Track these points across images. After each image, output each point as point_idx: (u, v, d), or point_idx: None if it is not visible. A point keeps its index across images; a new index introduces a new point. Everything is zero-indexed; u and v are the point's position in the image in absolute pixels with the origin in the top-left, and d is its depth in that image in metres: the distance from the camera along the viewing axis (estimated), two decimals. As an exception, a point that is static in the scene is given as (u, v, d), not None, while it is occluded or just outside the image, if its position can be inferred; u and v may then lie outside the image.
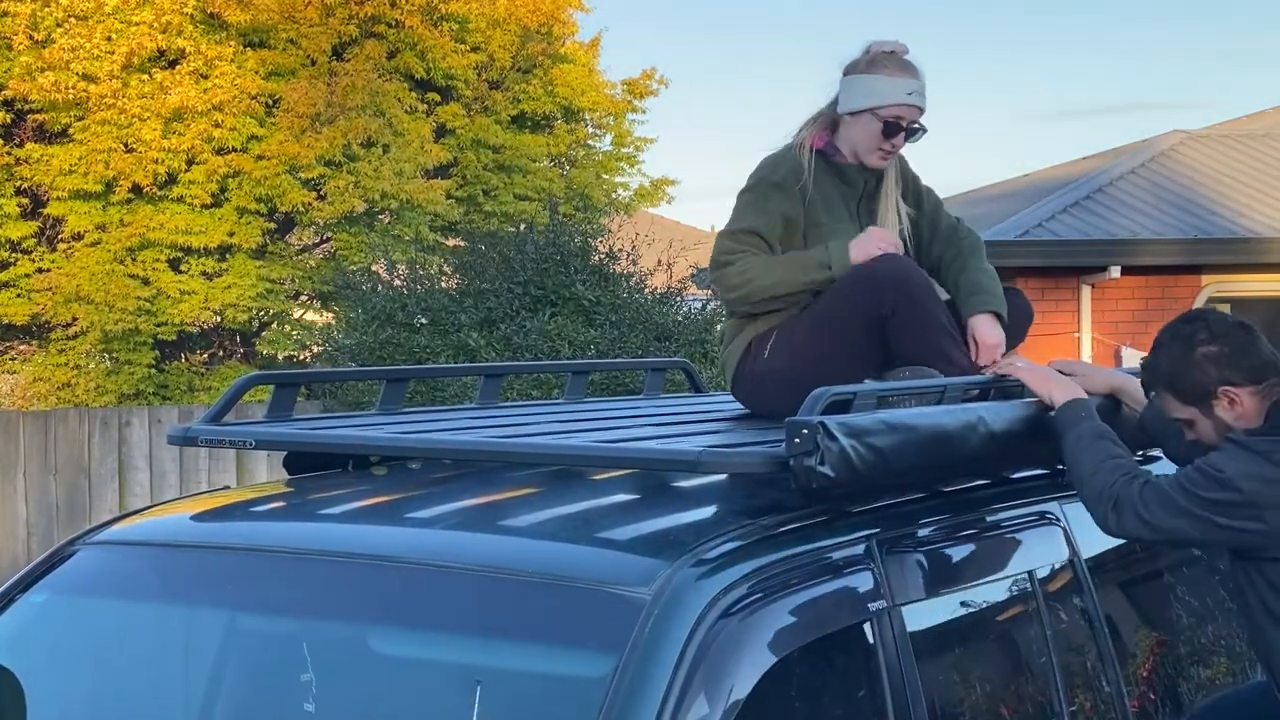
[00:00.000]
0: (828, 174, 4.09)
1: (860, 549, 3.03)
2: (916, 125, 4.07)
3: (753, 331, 4.09)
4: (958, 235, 4.23)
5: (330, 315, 14.51)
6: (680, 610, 2.62)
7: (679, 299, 12.16)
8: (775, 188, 4.05)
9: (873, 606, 2.96)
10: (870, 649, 2.93)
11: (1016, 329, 4.18)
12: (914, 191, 4.26)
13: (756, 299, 4.02)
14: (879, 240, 3.96)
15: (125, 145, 13.28)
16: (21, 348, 14.65)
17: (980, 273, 4.12)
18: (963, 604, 3.33)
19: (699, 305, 12.55)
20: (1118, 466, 3.40)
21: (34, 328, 14.03)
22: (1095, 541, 3.79)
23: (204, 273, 13.56)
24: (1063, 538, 3.68)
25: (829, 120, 4.13)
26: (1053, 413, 3.54)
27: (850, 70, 4.11)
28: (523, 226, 13.86)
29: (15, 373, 14.66)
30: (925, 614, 3.13)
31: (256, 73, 13.66)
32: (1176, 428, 3.66)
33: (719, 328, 11.64)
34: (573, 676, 2.71)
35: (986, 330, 3.99)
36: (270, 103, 13.80)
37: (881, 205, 4.17)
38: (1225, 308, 14.61)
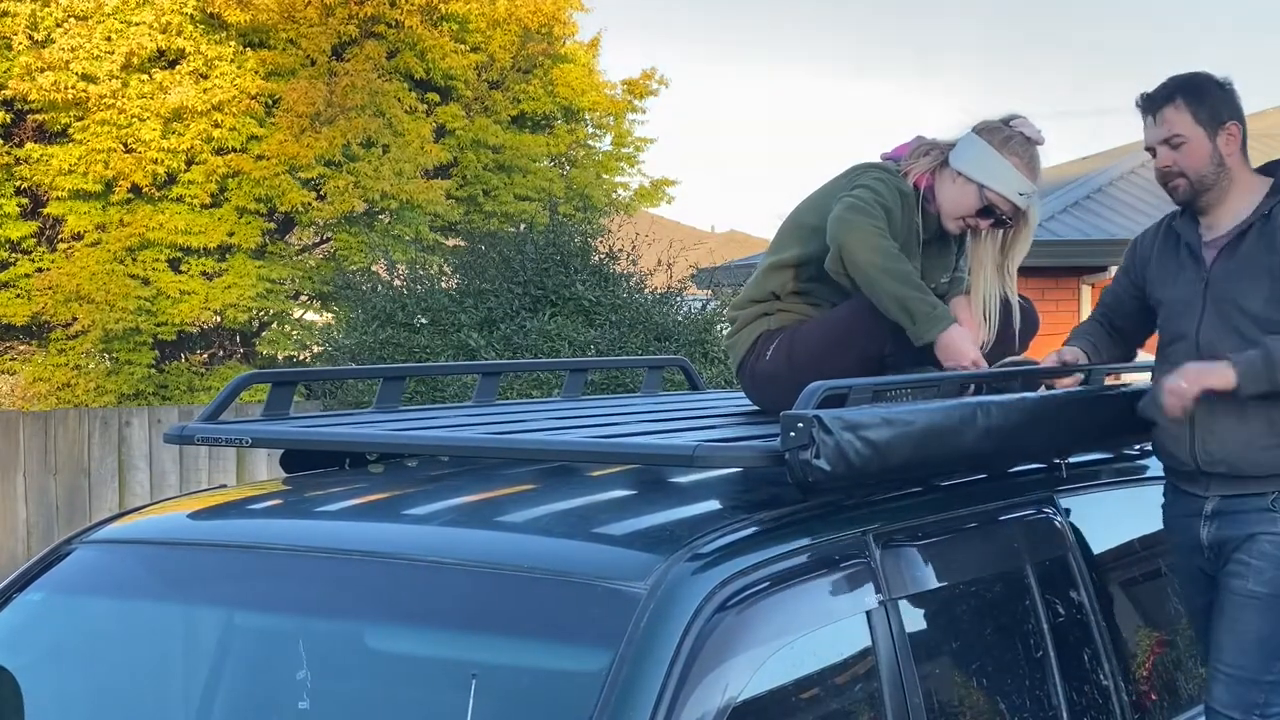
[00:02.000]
0: (917, 211, 4.06)
1: (856, 543, 3.03)
2: (1008, 219, 4.04)
3: (762, 327, 4.11)
4: None
5: (330, 315, 14.50)
6: (676, 604, 2.62)
7: (679, 299, 12.16)
8: (901, 195, 4.01)
9: (869, 600, 2.97)
10: (866, 643, 2.94)
11: (1022, 338, 4.20)
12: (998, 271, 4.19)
13: (853, 271, 3.86)
14: (968, 352, 3.88)
15: (125, 145, 13.28)
16: (21, 348, 14.65)
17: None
18: (959, 597, 3.33)
19: (699, 305, 12.55)
20: None
21: (34, 328, 14.02)
22: (1093, 534, 3.81)
23: (204, 273, 13.56)
24: (1060, 531, 3.69)
25: (938, 160, 4.09)
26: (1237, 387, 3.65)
27: (983, 132, 4.05)
28: (523, 226, 13.86)
29: (15, 373, 14.65)
30: (922, 608, 3.13)
31: (256, 73, 13.65)
32: None
33: (720, 327, 11.66)
34: (569, 671, 2.71)
35: (965, 313, 4.01)
36: (270, 103, 13.79)
37: (949, 257, 4.17)
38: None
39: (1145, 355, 4.21)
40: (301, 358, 14.51)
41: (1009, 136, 4.03)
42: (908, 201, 4.01)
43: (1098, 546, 3.82)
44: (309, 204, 13.72)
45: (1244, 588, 3.71)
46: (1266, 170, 3.91)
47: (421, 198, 14.07)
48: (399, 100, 14.27)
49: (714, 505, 3.18)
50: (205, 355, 14.65)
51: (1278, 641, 3.68)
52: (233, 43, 13.73)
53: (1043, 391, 3.84)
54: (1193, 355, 3.80)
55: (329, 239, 14.85)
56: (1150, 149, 3.87)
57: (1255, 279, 3.75)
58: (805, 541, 2.95)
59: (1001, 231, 4.09)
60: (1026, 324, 4.27)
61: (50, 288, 13.15)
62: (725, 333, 4.33)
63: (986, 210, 4.02)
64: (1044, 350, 4.20)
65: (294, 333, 14.71)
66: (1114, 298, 4.13)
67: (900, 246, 3.93)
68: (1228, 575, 3.76)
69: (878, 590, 2.99)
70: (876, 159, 4.16)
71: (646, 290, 12.04)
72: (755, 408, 4.15)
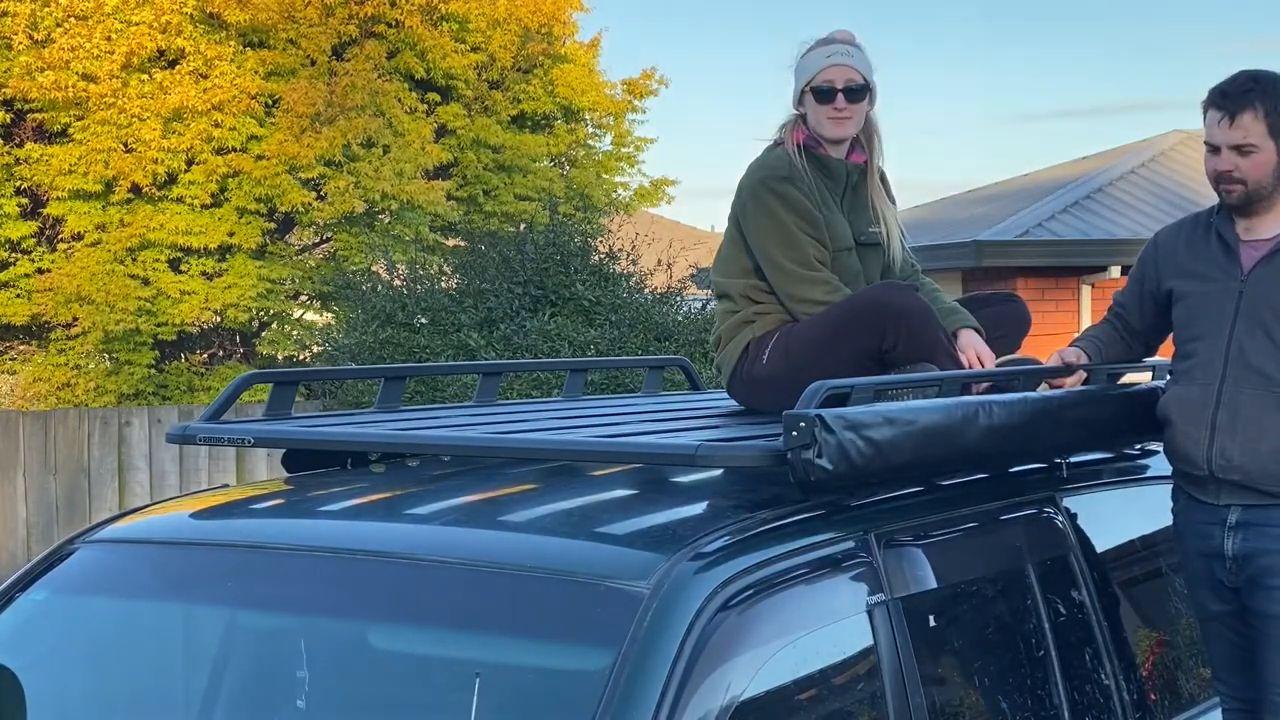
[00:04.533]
0: (813, 167, 4.16)
1: (858, 542, 3.04)
2: (855, 85, 4.14)
3: (750, 334, 4.12)
4: (918, 279, 4.30)
5: (330, 315, 14.50)
6: (679, 604, 2.63)
7: (679, 299, 12.16)
8: (786, 181, 4.11)
9: (871, 599, 2.97)
10: (868, 642, 2.94)
11: (1014, 336, 4.22)
12: (890, 204, 4.31)
13: (846, 313, 4.01)
14: (979, 353, 4.01)
15: (125, 145, 13.27)
16: (21, 348, 14.64)
17: (946, 301, 4.18)
18: (961, 597, 3.33)
19: (699, 305, 12.55)
20: None
21: (34, 328, 14.02)
22: (1094, 534, 3.81)
23: (204, 273, 13.55)
24: (1061, 530, 3.69)
25: (797, 120, 4.23)
26: None
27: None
28: (523, 226, 13.86)
29: (15, 373, 14.65)
30: (923, 607, 3.13)
31: (256, 73, 13.64)
32: None
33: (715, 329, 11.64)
34: (572, 670, 2.72)
35: (981, 346, 4.03)
36: (270, 103, 13.78)
37: (867, 201, 4.24)
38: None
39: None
40: (301, 358, 14.50)
41: (802, 44, 4.26)
42: (796, 178, 4.11)
43: (1099, 546, 3.82)
44: (309, 204, 13.71)
45: None
46: None
47: (422, 198, 14.05)
48: (399, 100, 14.26)
49: (716, 505, 3.18)
50: (205, 355, 14.64)
51: None
52: (233, 42, 13.72)
53: (1044, 390, 3.84)
54: (1220, 356, 3.77)
55: (329, 239, 14.84)
56: (1213, 146, 3.79)
57: None
58: (807, 541, 2.96)
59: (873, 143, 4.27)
60: (1016, 322, 4.28)
61: (50, 289, 13.14)
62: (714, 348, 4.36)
63: (824, 93, 4.13)
64: (1038, 349, 4.21)
65: (294, 333, 14.70)
66: (1129, 299, 4.08)
67: (824, 207, 4.10)
68: (1267, 601, 3.72)
69: (880, 590, 2.99)
70: (759, 162, 4.23)
71: (646, 290, 12.04)
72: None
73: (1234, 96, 3.75)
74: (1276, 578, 3.70)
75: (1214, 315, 3.80)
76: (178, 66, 13.50)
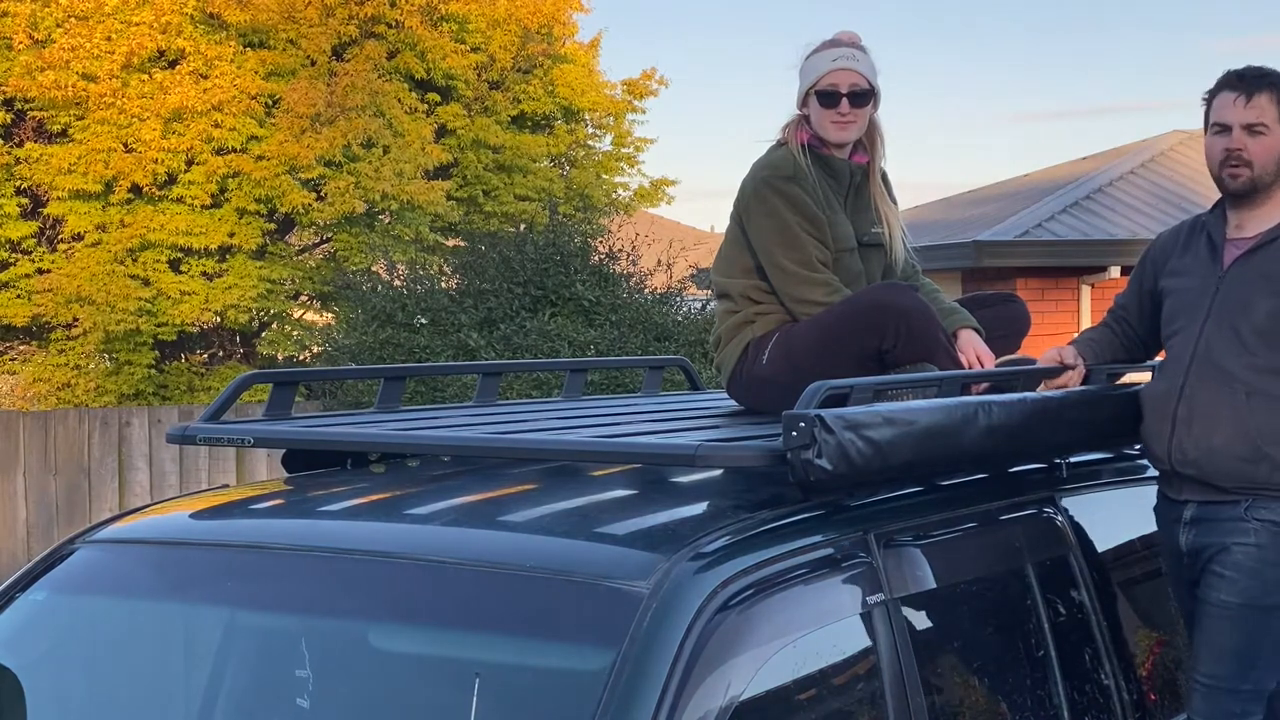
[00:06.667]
0: (818, 167, 4.17)
1: (858, 542, 3.04)
2: (860, 89, 4.14)
3: (750, 334, 4.13)
4: (919, 279, 4.31)
5: (330, 315, 14.50)
6: (678, 604, 2.63)
7: (679, 299, 12.16)
8: (791, 181, 4.11)
9: (871, 600, 2.97)
10: (868, 642, 2.94)
11: (1014, 336, 4.23)
12: (892, 205, 4.31)
13: (841, 314, 4.02)
14: (979, 353, 4.02)
15: (125, 145, 13.26)
16: (21, 348, 14.64)
17: (946, 301, 4.19)
18: (961, 597, 3.33)
19: (699, 305, 12.56)
20: None
21: (34, 328, 14.02)
22: (1093, 534, 3.81)
23: (204, 273, 13.55)
24: (1061, 530, 3.69)
25: (801, 120, 4.23)
26: None
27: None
28: (523, 227, 13.87)
29: (15, 373, 14.65)
30: (923, 607, 3.13)
31: (256, 73, 13.64)
32: None
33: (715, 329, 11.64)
34: (572, 670, 2.72)
35: (981, 346, 4.04)
36: (270, 103, 13.78)
37: (869, 202, 4.25)
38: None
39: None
40: (301, 358, 14.50)
41: (807, 45, 4.27)
42: (800, 178, 4.11)
43: (1098, 546, 3.82)
44: (309, 205, 13.70)
45: (1218, 598, 3.72)
46: None
47: (422, 198, 14.05)
48: (399, 100, 14.26)
49: (716, 505, 3.18)
50: (205, 355, 14.65)
51: (1252, 652, 3.69)
52: (233, 43, 13.72)
53: (1043, 390, 3.85)
54: (1189, 350, 3.80)
55: (329, 239, 14.84)
56: (1223, 125, 3.83)
57: (1266, 292, 3.75)
58: (807, 541, 2.96)
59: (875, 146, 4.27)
60: (1016, 323, 4.30)
61: (50, 289, 13.14)
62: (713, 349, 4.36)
63: (828, 96, 4.13)
64: (1037, 349, 4.21)
65: (294, 333, 14.71)
66: (1129, 299, 4.11)
67: (827, 207, 4.11)
68: (1204, 586, 3.77)
69: (879, 590, 2.99)
70: (763, 161, 4.23)
71: (646, 290, 12.05)
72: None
73: (1251, 79, 3.83)
74: (1216, 566, 3.74)
75: (1190, 311, 3.85)
76: (178, 67, 13.50)
